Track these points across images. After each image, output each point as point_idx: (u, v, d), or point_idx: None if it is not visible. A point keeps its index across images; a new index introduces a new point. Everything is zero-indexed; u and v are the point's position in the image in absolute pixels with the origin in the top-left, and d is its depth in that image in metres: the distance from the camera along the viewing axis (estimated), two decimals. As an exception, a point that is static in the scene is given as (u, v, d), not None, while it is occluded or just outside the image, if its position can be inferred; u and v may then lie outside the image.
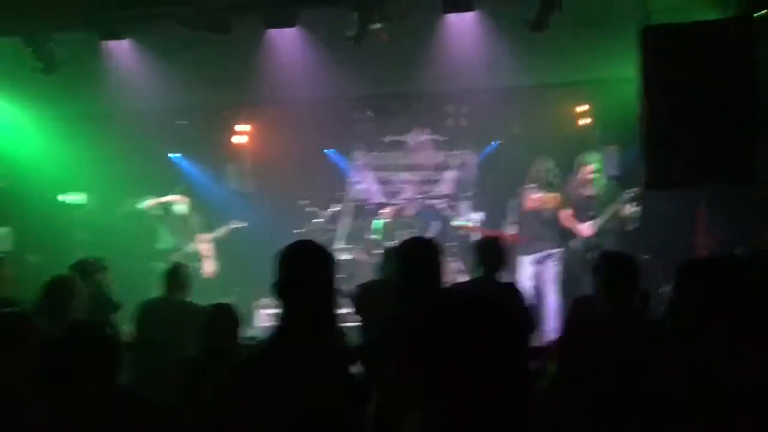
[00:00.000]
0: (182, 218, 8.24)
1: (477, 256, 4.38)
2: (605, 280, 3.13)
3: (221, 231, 8.31)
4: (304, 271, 2.26)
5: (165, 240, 8.17)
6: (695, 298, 1.86)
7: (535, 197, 7.18)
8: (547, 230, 7.13)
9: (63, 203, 9.17)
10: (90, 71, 6.95)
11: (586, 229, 7.08)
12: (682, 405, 1.85)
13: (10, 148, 8.36)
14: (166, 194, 8.73)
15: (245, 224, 8.40)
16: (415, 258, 3.18)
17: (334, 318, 2.31)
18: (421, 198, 9.23)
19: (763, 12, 5.47)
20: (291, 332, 2.19)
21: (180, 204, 8.24)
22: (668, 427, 1.93)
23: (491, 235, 5.25)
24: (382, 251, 8.25)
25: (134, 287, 7.04)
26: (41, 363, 2.52)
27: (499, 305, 1.31)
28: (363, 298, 4.92)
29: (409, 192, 8.98)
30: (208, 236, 8.22)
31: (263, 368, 2.19)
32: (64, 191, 9.09)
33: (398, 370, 1.30)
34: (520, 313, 4.07)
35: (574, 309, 3.88)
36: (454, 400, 1.21)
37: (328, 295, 2.29)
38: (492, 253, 4.35)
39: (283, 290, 2.23)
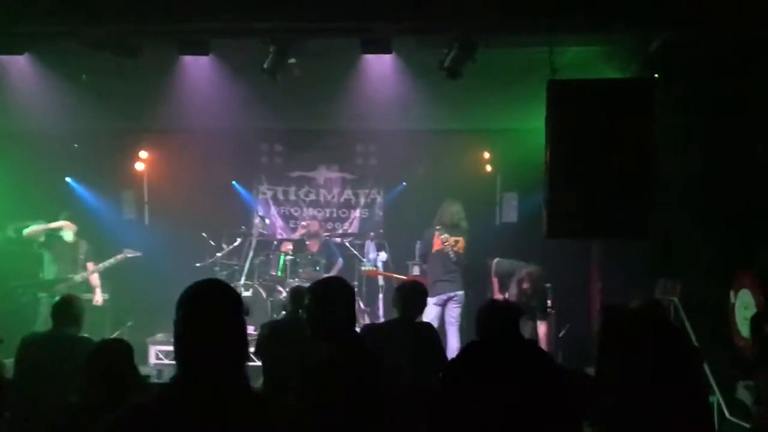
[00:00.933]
0: (69, 246, 7.76)
1: (400, 297, 4.43)
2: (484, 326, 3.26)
3: (112, 260, 7.87)
4: (214, 321, 1.95)
5: (49, 269, 7.66)
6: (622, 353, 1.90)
7: (443, 238, 7.29)
8: (451, 272, 7.24)
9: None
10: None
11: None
12: None
13: None
14: (54, 220, 8.24)
15: (139, 254, 8.01)
16: (331, 297, 3.14)
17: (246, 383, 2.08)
18: (326, 235, 9.14)
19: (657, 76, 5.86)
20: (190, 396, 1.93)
21: (67, 230, 7.75)
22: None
23: (415, 280, 5.37)
24: (284, 289, 8.18)
25: (18, 319, 6.58)
26: None
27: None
28: (270, 338, 4.82)
29: (314, 228, 8.87)
30: (98, 265, 7.78)
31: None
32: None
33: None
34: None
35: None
36: None
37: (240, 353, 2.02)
38: (414, 297, 4.45)
39: (186, 339, 1.94)
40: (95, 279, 7.79)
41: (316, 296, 3.17)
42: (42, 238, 7.65)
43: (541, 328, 6.88)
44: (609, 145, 5.41)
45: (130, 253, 7.96)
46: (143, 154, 9.31)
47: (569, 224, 5.59)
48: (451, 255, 7.28)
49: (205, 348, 1.90)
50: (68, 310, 4.63)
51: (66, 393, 3.79)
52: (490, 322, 3.22)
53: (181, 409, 1.82)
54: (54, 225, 7.69)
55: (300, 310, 5.19)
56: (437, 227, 7.40)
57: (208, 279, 2.10)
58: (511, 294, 6.98)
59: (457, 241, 7.37)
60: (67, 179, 9.24)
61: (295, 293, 5.19)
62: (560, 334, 7.61)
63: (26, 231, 7.61)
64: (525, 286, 6.83)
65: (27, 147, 8.22)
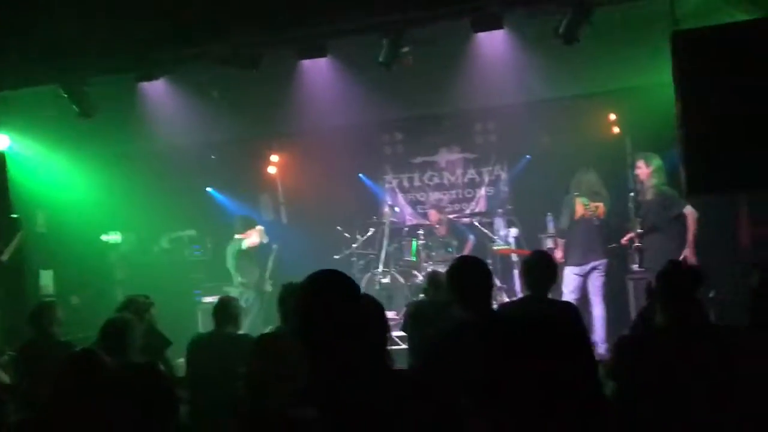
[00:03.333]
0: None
1: (528, 273, 4.27)
2: (664, 289, 3.06)
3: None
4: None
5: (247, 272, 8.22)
6: None
7: (584, 203, 7.09)
8: (594, 241, 7.05)
9: (102, 243, 9.31)
10: (126, 111, 7.11)
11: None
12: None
13: (50, 192, 8.53)
14: (199, 229, 8.92)
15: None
16: (467, 278, 3.20)
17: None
18: (454, 217, 9.21)
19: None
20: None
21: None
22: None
23: (541, 251, 5.20)
24: (419, 273, 8.35)
25: (177, 323, 7.13)
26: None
27: (566, 322, 1.32)
28: (415, 317, 4.94)
29: (434, 219, 8.93)
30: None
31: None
32: (103, 231, 9.24)
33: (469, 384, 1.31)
34: (581, 329, 4.01)
35: (639, 320, 3.81)
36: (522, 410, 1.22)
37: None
38: (543, 271, 4.21)
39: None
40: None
41: (451, 277, 3.25)
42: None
43: None
44: (744, 91, 5.08)
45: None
46: (274, 158, 9.80)
47: (710, 179, 5.31)
48: (595, 221, 7.08)
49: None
50: (226, 310, 4.99)
51: (232, 388, 4.13)
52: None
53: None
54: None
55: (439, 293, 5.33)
56: (575, 193, 7.18)
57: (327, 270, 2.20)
58: None
59: (597, 207, 7.16)
60: (208, 189, 9.87)
61: (433, 278, 5.31)
62: (710, 295, 7.25)
63: (246, 244, 8.09)
64: None
65: (170, 163, 8.87)
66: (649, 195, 6.79)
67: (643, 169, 6.79)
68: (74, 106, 6.65)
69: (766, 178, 5.21)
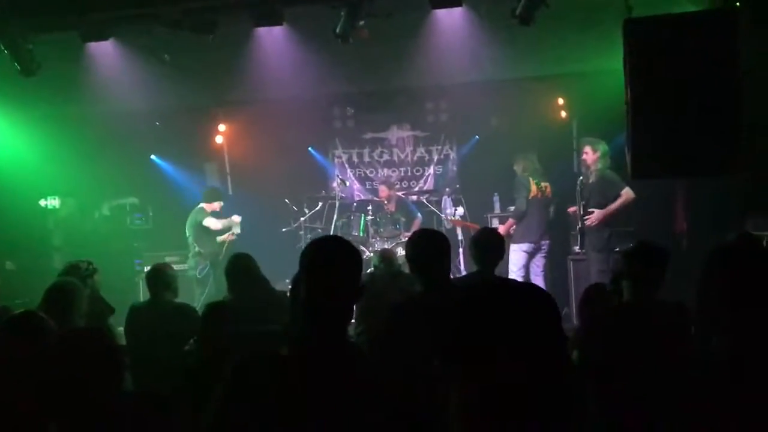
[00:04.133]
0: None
1: (476, 249, 4.32)
2: (634, 268, 3.16)
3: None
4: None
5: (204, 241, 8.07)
6: (727, 286, 1.92)
7: (535, 183, 7.25)
8: (545, 221, 7.28)
9: (40, 207, 9.01)
10: (71, 72, 6.86)
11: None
12: (708, 397, 1.90)
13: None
14: (141, 196, 8.76)
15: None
16: (426, 249, 3.25)
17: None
18: (402, 194, 9.26)
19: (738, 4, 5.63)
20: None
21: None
22: (695, 418, 1.96)
23: (488, 228, 5.28)
24: (367, 249, 8.38)
25: (118, 292, 6.98)
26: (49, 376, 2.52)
27: (539, 291, 1.35)
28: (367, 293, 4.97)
29: (384, 195, 8.95)
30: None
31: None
32: (42, 195, 8.93)
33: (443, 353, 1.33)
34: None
35: (589, 298, 3.93)
36: (498, 379, 1.25)
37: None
38: (493, 246, 4.31)
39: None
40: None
41: (411, 248, 3.30)
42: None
43: None
44: (692, 80, 5.25)
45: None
46: (222, 127, 9.62)
47: (654, 164, 5.48)
48: (545, 201, 7.26)
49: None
50: (161, 277, 4.89)
51: (174, 355, 4.10)
52: None
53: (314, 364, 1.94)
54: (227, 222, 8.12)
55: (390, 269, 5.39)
56: (526, 174, 7.31)
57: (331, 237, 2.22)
58: None
59: (546, 187, 7.33)
60: (153, 157, 9.64)
61: (384, 254, 5.35)
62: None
63: (208, 224, 8.00)
64: None
65: (114, 128, 8.59)
66: (593, 178, 7.00)
67: (590, 155, 6.98)
68: (16, 64, 6.37)
69: (706, 165, 5.42)
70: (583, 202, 7.08)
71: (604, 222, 6.84)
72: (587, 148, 7.03)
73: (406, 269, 4.23)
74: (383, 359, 2.80)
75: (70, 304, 3.86)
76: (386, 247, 8.22)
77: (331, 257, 2.04)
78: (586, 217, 6.95)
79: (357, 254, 2.07)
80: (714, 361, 1.97)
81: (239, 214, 8.38)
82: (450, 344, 1.29)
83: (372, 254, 7.85)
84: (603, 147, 7.01)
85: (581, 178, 7.19)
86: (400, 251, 7.24)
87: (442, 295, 2.90)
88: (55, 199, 9.09)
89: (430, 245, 3.23)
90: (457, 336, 1.28)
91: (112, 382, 2.53)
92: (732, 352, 1.91)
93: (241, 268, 4.84)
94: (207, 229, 8.01)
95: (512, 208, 7.52)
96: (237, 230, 8.13)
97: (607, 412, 2.79)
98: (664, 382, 2.32)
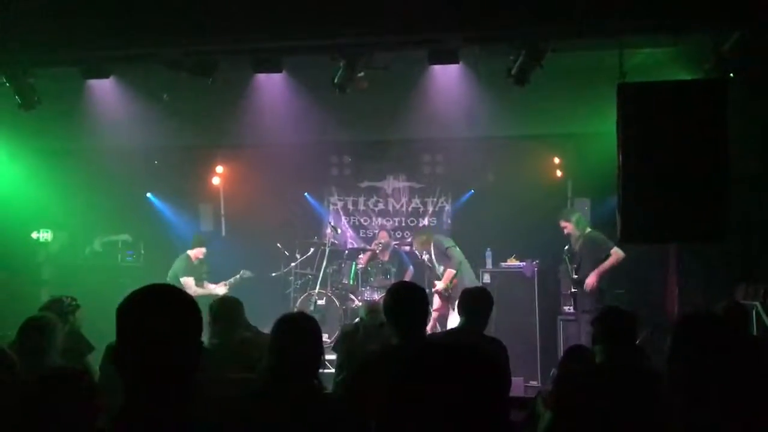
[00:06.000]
0: (196, 266, 8.31)
1: (465, 305, 4.34)
2: (604, 333, 3.19)
3: (232, 280, 8.28)
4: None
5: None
6: (696, 354, 1.90)
7: None
8: None
9: (31, 240, 8.98)
10: (70, 107, 6.93)
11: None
12: None
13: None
14: (136, 234, 8.77)
15: (253, 275, 8.40)
16: (403, 303, 3.23)
17: None
18: (396, 244, 9.25)
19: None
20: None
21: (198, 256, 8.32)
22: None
23: (479, 287, 5.30)
24: (356, 297, 8.33)
25: (104, 329, 6.90)
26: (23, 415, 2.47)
27: (487, 356, 1.34)
28: (346, 336, 4.97)
29: (384, 239, 8.96)
30: (224, 284, 8.22)
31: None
32: (34, 228, 8.91)
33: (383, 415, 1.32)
34: (504, 366, 4.03)
35: (568, 359, 3.90)
36: None
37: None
38: (481, 305, 4.33)
39: None
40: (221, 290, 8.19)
41: (388, 299, 3.28)
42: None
43: None
44: (682, 147, 5.32)
45: (246, 275, 8.32)
46: (219, 169, 9.68)
47: (644, 228, 5.52)
48: None
49: None
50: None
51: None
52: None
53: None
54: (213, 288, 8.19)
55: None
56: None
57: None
58: None
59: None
60: (148, 195, 9.65)
61: (371, 306, 5.30)
62: (638, 341, 7.46)
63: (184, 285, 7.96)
64: None
65: (110, 164, 8.59)
66: (579, 244, 7.27)
67: (569, 226, 7.34)
68: (16, 97, 6.43)
69: (694, 231, 5.44)
70: (575, 266, 7.16)
71: (598, 282, 6.98)
72: (563, 223, 7.39)
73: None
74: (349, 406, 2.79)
75: (46, 340, 3.80)
76: (375, 297, 8.20)
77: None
78: (578, 277, 7.04)
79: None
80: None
81: (231, 257, 8.36)
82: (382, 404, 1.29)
83: (360, 303, 7.80)
84: (575, 214, 7.49)
85: (566, 247, 7.36)
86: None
87: (415, 348, 2.87)
88: (47, 232, 9.06)
89: (406, 298, 3.21)
90: (391, 397, 1.27)
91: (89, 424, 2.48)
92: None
93: (224, 312, 4.79)
94: (192, 272, 8.07)
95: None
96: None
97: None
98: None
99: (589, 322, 6.64)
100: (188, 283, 8.01)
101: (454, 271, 7.65)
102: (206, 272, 8.40)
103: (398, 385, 1.27)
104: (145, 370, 1.61)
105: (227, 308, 4.75)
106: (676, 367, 1.96)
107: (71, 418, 2.40)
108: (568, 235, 7.38)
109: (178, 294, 1.71)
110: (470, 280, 7.51)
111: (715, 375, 1.87)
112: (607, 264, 6.99)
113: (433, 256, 7.96)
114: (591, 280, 6.96)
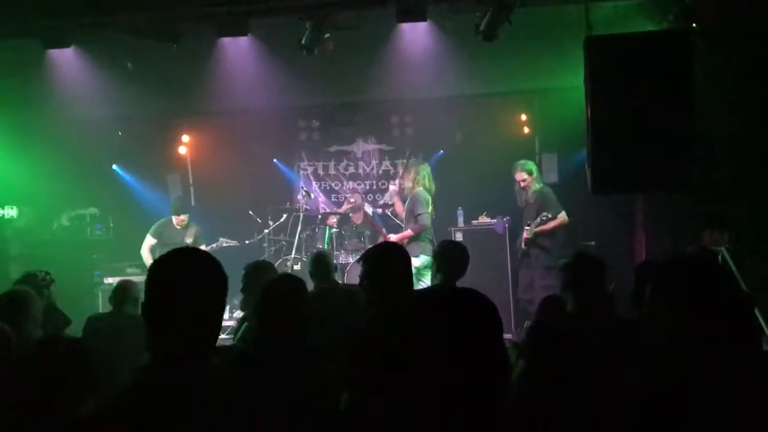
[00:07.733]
0: (177, 232, 7.98)
1: (440, 262, 4.33)
2: (574, 279, 3.24)
3: (210, 248, 8.13)
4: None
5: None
6: (678, 295, 1.95)
7: None
8: None
9: (-2, 217, 8.79)
10: (31, 79, 6.75)
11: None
12: (658, 401, 1.94)
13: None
14: (103, 207, 8.62)
15: (235, 242, 8.29)
16: (386, 263, 3.25)
17: None
18: (367, 206, 9.27)
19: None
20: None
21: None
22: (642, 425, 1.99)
23: (453, 241, 5.30)
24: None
25: (76, 303, 6.84)
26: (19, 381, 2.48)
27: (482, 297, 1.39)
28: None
29: (358, 202, 8.97)
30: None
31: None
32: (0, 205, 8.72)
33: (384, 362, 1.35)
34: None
35: (543, 309, 3.98)
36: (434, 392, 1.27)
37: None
38: (455, 260, 4.31)
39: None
40: None
41: (369, 263, 3.29)
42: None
43: None
44: (649, 98, 5.38)
45: (226, 243, 8.20)
46: (186, 138, 9.54)
47: (613, 179, 5.59)
48: None
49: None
50: (128, 292, 4.87)
51: (131, 367, 4.02)
52: None
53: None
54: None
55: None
56: None
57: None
58: None
59: None
60: (114, 167, 9.49)
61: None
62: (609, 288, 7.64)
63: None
64: None
65: (74, 136, 8.41)
66: (532, 198, 7.31)
67: (528, 179, 7.29)
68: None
69: (662, 181, 5.55)
70: (529, 222, 7.22)
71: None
72: (523, 175, 7.31)
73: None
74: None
75: (24, 314, 3.76)
76: (350, 260, 8.25)
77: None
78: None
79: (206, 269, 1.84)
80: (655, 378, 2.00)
81: (204, 226, 8.28)
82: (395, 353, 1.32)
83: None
84: (533, 165, 7.41)
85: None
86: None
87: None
88: (12, 208, 8.87)
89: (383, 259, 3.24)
90: (403, 344, 1.31)
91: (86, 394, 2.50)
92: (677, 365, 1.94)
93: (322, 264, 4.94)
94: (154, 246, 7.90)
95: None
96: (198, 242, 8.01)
97: (552, 418, 2.82)
98: (601, 396, 2.35)
99: (547, 276, 6.87)
100: (144, 252, 7.89)
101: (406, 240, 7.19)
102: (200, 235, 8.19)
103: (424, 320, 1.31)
104: (172, 322, 1.76)
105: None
106: (661, 302, 2.00)
107: (73, 381, 2.42)
108: (525, 188, 7.32)
109: (204, 254, 1.89)
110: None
111: (694, 314, 1.92)
112: (550, 224, 7.07)
113: (405, 207, 7.59)
114: (526, 235, 7.09)
